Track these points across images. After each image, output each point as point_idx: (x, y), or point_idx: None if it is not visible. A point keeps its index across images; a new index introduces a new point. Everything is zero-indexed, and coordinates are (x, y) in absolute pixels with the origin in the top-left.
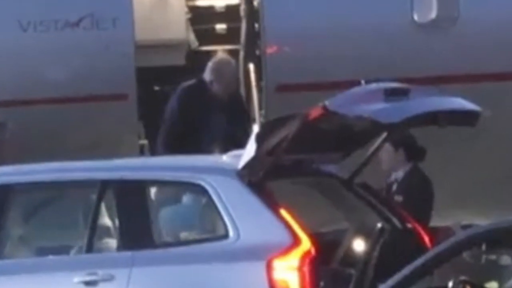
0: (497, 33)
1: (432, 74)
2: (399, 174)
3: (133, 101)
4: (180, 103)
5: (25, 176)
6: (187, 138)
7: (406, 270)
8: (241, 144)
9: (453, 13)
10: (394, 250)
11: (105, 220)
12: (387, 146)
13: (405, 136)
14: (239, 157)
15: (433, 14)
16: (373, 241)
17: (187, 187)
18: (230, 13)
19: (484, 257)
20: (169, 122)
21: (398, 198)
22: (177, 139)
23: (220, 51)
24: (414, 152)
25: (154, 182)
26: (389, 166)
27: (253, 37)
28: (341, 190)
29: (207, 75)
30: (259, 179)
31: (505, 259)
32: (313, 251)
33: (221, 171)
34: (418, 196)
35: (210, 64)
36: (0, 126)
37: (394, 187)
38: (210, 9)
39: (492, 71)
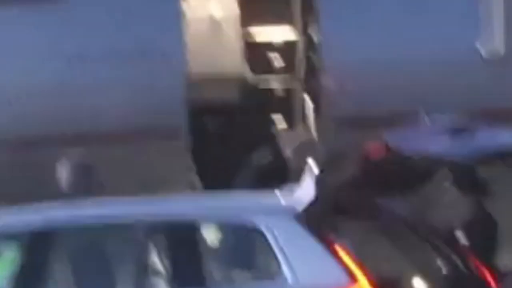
0: None
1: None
2: (463, 212)
3: (185, 136)
4: None
5: (72, 217)
6: None
7: None
8: None
9: None
10: None
11: (155, 261)
12: (450, 186)
13: (467, 172)
14: (295, 195)
15: (501, 51)
16: (434, 282)
17: (242, 228)
18: (287, 46)
19: None
20: None
21: (462, 237)
22: None
23: None
24: (476, 188)
25: (206, 222)
26: (451, 206)
27: (311, 71)
28: (403, 230)
29: None
30: (318, 220)
31: None
32: None
33: (278, 212)
34: (483, 235)
35: None
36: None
37: (457, 226)
38: (266, 41)
39: None
